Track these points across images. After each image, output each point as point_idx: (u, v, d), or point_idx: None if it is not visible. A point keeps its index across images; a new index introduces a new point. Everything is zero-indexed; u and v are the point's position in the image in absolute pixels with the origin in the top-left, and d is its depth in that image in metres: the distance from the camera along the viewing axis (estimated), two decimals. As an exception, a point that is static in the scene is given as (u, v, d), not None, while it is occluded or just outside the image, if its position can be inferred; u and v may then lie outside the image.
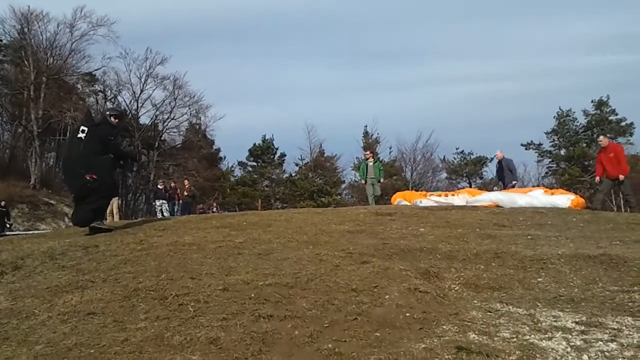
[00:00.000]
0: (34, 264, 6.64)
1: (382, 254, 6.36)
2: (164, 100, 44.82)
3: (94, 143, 8.65)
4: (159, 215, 21.82)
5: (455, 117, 74.67)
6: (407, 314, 4.50)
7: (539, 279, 5.55)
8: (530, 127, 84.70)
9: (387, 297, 4.86)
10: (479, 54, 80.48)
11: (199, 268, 5.71)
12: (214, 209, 30.11)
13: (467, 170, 48.39)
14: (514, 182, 15.60)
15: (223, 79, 73.72)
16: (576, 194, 12.58)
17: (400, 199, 14.73)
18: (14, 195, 26.02)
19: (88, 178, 8.44)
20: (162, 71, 44.37)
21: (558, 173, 45.87)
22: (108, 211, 20.37)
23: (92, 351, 3.79)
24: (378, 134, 48.91)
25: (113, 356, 3.71)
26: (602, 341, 4.05)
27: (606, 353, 3.87)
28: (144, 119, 45.58)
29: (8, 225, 24.30)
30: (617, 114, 45.59)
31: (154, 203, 25.82)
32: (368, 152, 20.14)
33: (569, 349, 3.94)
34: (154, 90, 44.48)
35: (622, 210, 12.15)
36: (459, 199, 13.47)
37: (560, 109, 47.91)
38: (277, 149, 51.19)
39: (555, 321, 4.46)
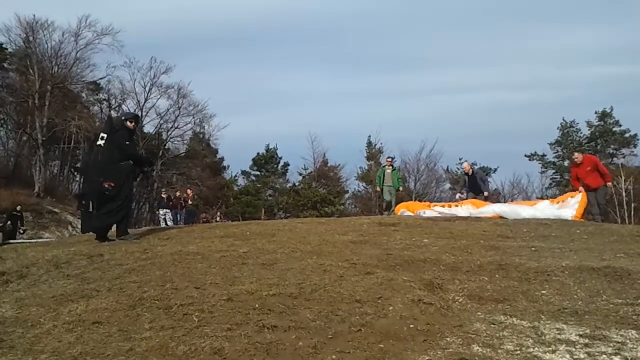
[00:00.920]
0: (39, 272, 6.66)
1: (385, 264, 6.37)
2: (168, 109, 45.03)
3: (112, 149, 8.69)
4: (163, 224, 21.86)
5: (459, 127, 74.80)
6: (411, 326, 4.50)
7: (543, 291, 5.54)
8: (534, 138, 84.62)
9: (391, 308, 4.86)
10: (483, 63, 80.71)
11: (203, 278, 5.73)
12: (218, 218, 30.16)
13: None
14: (485, 193, 15.41)
15: (227, 88, 74.12)
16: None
17: (403, 209, 14.72)
18: (18, 203, 26.07)
19: (106, 185, 8.47)
20: (166, 80, 44.57)
21: (562, 184, 45.78)
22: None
23: (97, 360, 3.81)
24: (382, 143, 48.96)
25: (118, 366, 3.73)
26: (605, 354, 4.05)
27: (610, 366, 3.87)
28: (148, 128, 45.75)
29: (22, 231, 24.19)
30: (620, 125, 45.59)
31: (157, 212, 25.88)
32: (388, 159, 19.76)
33: (573, 362, 3.94)
34: (158, 99, 44.72)
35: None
36: (462, 210, 13.44)
37: (564, 120, 48.00)
38: (280, 158, 51.32)
39: (559, 334, 4.46)
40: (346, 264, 6.29)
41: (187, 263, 6.44)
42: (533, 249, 7.32)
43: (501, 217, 11.53)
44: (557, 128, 47.93)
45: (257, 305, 4.79)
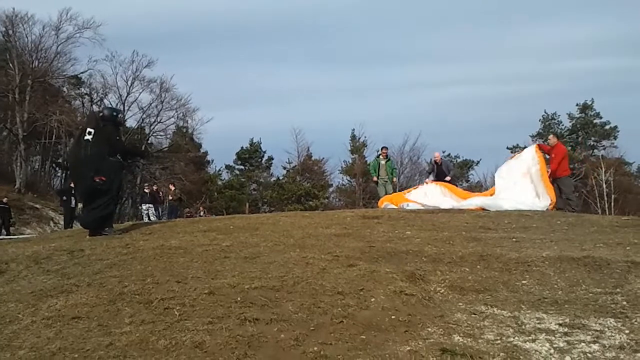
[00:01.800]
0: (18, 268, 6.59)
1: (368, 257, 6.38)
2: (150, 104, 44.56)
3: (101, 144, 8.63)
4: (146, 219, 21.71)
5: (442, 121, 75.04)
6: (393, 317, 4.52)
7: (524, 282, 5.59)
8: (516, 131, 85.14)
9: (373, 300, 4.87)
10: (466, 57, 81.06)
11: (185, 272, 5.70)
12: (201, 213, 30.02)
13: (454, 173, 48.65)
14: (447, 178, 15.74)
15: (210, 82, 73.63)
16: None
17: (387, 202, 14.76)
18: (3, 196, 25.72)
19: (97, 180, 8.43)
20: (148, 74, 43.99)
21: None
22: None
23: (76, 356, 3.78)
24: (365, 137, 48.94)
25: (97, 360, 3.69)
26: (584, 343, 4.10)
27: (589, 354, 3.92)
28: (131, 122, 45.19)
29: (12, 223, 23.53)
30: (601, 118, 46.02)
31: (140, 207, 25.70)
32: (384, 149, 18.42)
33: (552, 351, 3.98)
34: (140, 93, 44.18)
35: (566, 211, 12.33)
36: (444, 200, 13.52)
37: (545, 112, 48.31)
38: (264, 152, 51.14)
39: (539, 323, 4.50)
40: (329, 256, 6.30)
41: (168, 257, 6.40)
42: (514, 240, 7.37)
43: (483, 210, 11.59)
44: (539, 120, 48.29)
45: (239, 299, 4.78)
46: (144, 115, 45.14)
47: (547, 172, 12.89)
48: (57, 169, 43.66)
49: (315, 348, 3.89)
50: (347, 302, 4.77)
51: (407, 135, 48.04)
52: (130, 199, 44.10)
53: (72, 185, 21.98)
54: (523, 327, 4.43)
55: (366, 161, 46.16)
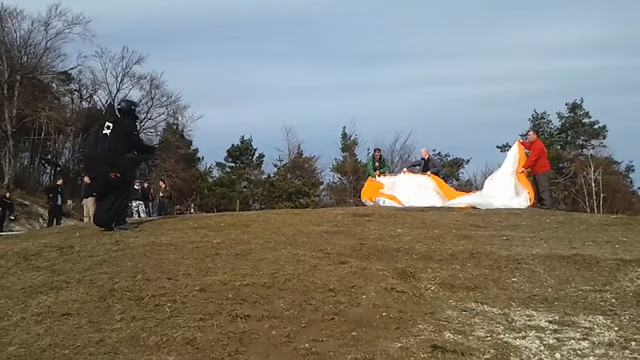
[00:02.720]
0: (7, 264, 6.53)
1: (359, 254, 6.39)
2: (140, 100, 44.06)
3: (120, 139, 8.53)
4: (136, 216, 21.61)
5: (432, 119, 75.16)
6: (384, 314, 4.54)
7: (514, 279, 5.63)
8: (506, 129, 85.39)
9: (364, 297, 4.89)
10: (456, 56, 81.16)
11: (176, 269, 5.68)
12: (192, 210, 29.92)
13: (444, 172, 48.74)
14: (428, 172, 15.86)
15: (201, 79, 73.10)
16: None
17: (366, 198, 14.90)
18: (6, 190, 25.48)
19: (112, 176, 8.37)
20: (138, 70, 43.60)
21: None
22: (84, 212, 20.21)
23: (66, 352, 3.76)
24: (356, 135, 48.92)
25: (88, 357, 3.68)
26: (574, 340, 4.13)
27: (578, 351, 3.95)
28: (120, 119, 45.00)
29: (12, 217, 23.01)
30: (590, 117, 46.18)
31: (130, 204, 25.57)
32: (377, 152, 17.81)
33: (542, 348, 4.01)
34: (130, 89, 43.74)
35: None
36: (425, 192, 13.72)
37: (535, 111, 48.41)
38: (255, 149, 50.97)
39: (529, 320, 4.54)
40: (320, 254, 6.30)
41: (159, 254, 6.38)
42: (504, 237, 7.42)
43: (473, 208, 11.65)
44: (529, 119, 48.44)
45: (230, 296, 4.78)
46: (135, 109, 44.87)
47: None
48: (47, 165, 43.33)
49: (307, 345, 3.90)
50: (339, 299, 4.78)
51: (398, 134, 48.01)
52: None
53: (58, 183, 21.92)
54: (513, 324, 4.46)
55: (357, 159, 46.22)
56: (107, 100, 42.49)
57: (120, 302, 4.71)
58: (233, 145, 50.68)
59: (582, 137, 46.37)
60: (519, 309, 4.82)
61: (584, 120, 46.27)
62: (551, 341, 4.11)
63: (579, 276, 5.63)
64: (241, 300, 4.68)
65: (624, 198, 39.83)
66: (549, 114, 47.95)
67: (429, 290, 5.31)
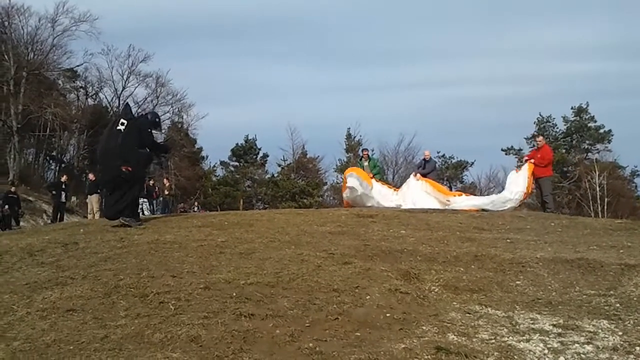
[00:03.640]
0: (12, 260, 6.55)
1: (363, 255, 6.40)
2: (146, 98, 44.31)
3: (133, 135, 8.76)
4: (140, 214, 21.62)
5: (437, 121, 75.01)
6: (388, 315, 4.54)
7: (518, 282, 5.62)
8: (511, 133, 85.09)
9: (368, 297, 4.89)
10: (461, 58, 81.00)
11: (180, 266, 5.69)
12: (196, 209, 29.96)
13: (448, 174, 48.68)
14: (413, 173, 15.98)
15: (206, 78, 73.21)
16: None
17: (352, 171, 14.97)
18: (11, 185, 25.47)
19: (123, 170, 8.55)
20: (144, 68, 43.74)
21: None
22: (89, 209, 20.25)
23: (71, 347, 3.77)
24: (361, 136, 48.87)
25: (92, 353, 3.69)
26: (578, 343, 4.12)
27: (582, 355, 3.94)
28: (126, 117, 45.09)
29: (21, 214, 22.84)
30: (595, 121, 46.07)
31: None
32: (364, 151, 19.14)
33: (546, 351, 4.01)
34: (136, 87, 43.91)
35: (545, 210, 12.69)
36: (427, 197, 13.83)
37: (540, 115, 48.31)
38: (259, 149, 50.98)
39: (533, 323, 4.53)
40: (324, 254, 6.31)
41: (164, 252, 6.39)
42: (508, 240, 7.41)
43: (478, 211, 11.64)
44: (534, 123, 48.27)
45: (234, 294, 4.79)
46: (139, 110, 44.89)
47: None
48: (51, 161, 43.43)
49: (311, 344, 3.90)
50: (343, 300, 4.78)
51: (402, 135, 48.02)
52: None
53: (62, 180, 21.94)
54: (517, 327, 4.46)
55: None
56: (111, 98, 42.73)
57: (125, 298, 4.72)
58: (237, 144, 50.72)
59: (587, 141, 46.24)
60: (523, 312, 4.82)
61: (589, 124, 46.16)
62: (555, 345, 4.11)
63: (583, 280, 5.63)
64: (245, 298, 4.69)
65: (629, 203, 39.69)
66: (554, 118, 47.87)
67: (433, 292, 5.31)
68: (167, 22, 73.80)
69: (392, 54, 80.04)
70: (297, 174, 48.01)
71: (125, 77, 43.34)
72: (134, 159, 8.71)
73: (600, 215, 31.57)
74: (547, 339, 4.21)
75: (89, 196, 20.45)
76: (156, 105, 44.50)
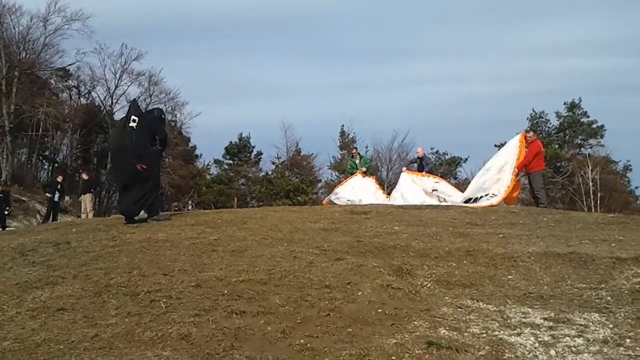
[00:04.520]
0: (3, 260, 6.54)
1: (356, 251, 6.39)
2: (139, 97, 44.06)
3: (145, 132, 8.85)
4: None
5: (430, 118, 75.09)
6: (379, 310, 4.54)
7: (509, 277, 5.63)
8: (504, 128, 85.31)
9: (359, 293, 4.89)
10: (454, 55, 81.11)
11: (172, 264, 5.68)
12: (189, 207, 29.91)
13: (442, 170, 48.77)
14: (403, 168, 16.41)
15: (200, 76, 72.93)
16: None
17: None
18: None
19: (139, 167, 8.63)
20: (137, 67, 43.46)
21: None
22: (82, 209, 20.18)
23: (61, 347, 3.75)
24: (354, 133, 48.92)
25: (83, 352, 3.67)
26: (569, 337, 4.14)
27: (573, 348, 3.96)
28: (119, 116, 44.42)
29: (7, 212, 22.50)
30: (588, 116, 46.21)
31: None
32: (353, 149, 19.83)
33: (537, 345, 4.02)
34: (129, 86, 43.69)
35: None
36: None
37: (533, 110, 48.41)
38: (253, 147, 50.90)
39: (524, 317, 4.55)
40: (316, 250, 6.30)
41: (155, 250, 6.37)
42: (501, 235, 7.42)
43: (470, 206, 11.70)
44: (527, 118, 48.41)
45: (226, 291, 4.78)
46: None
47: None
48: (44, 161, 43.26)
49: (302, 341, 3.90)
50: (334, 296, 4.78)
51: (396, 132, 48.01)
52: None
53: (57, 179, 21.84)
54: (508, 321, 4.47)
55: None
56: (104, 97, 42.56)
57: (116, 297, 4.71)
58: (231, 142, 50.64)
59: (580, 137, 46.38)
60: (514, 306, 4.83)
61: (582, 120, 46.31)
62: (546, 338, 4.12)
63: (574, 274, 5.64)
64: (237, 296, 4.68)
65: (621, 197, 39.83)
66: (547, 113, 48.01)
67: (425, 287, 5.32)
68: (160, 20, 73.54)
69: (386, 51, 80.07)
70: (291, 172, 47.98)
71: (118, 75, 43.14)
72: (148, 155, 8.82)
73: (593, 210, 31.68)
74: (538, 332, 4.23)
75: (82, 195, 20.39)
76: (149, 103, 44.28)
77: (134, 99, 9.34)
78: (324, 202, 15.57)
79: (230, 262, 5.76)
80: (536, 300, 4.98)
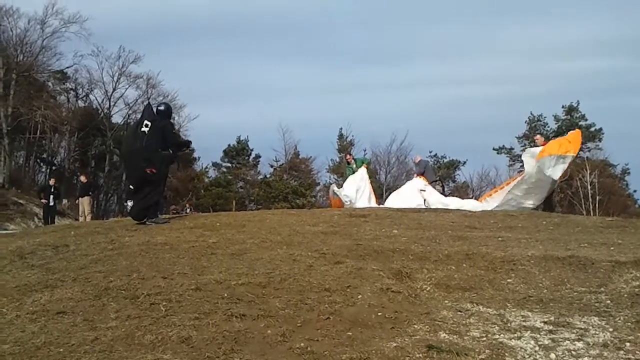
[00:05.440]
0: (2, 263, 6.51)
1: (355, 254, 6.39)
2: (137, 99, 44.09)
3: (156, 137, 8.93)
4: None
5: (429, 121, 75.14)
6: (379, 314, 4.54)
7: (509, 280, 5.63)
8: (502, 132, 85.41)
9: (359, 296, 4.89)
10: (452, 58, 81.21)
11: (171, 268, 5.67)
12: (187, 210, 29.90)
13: (441, 173, 48.79)
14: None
15: (197, 78, 72.96)
16: None
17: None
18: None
19: (148, 172, 8.76)
20: (135, 70, 43.56)
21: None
22: (80, 211, 20.16)
23: (61, 350, 3.75)
24: (353, 136, 48.97)
25: (83, 355, 3.67)
26: (569, 340, 4.14)
27: (573, 352, 3.96)
28: (117, 118, 44.76)
29: None
30: (586, 120, 46.35)
31: (125, 203, 25.55)
32: (348, 156, 19.96)
33: (537, 348, 4.02)
34: (126, 89, 43.76)
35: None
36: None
37: (531, 114, 48.53)
38: (251, 150, 50.91)
39: (524, 321, 4.55)
40: (316, 253, 6.30)
41: (154, 253, 6.37)
42: (500, 239, 7.43)
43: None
44: (525, 122, 48.51)
45: (225, 295, 4.77)
46: (130, 111, 44.65)
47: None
48: (42, 164, 43.23)
49: (302, 344, 3.90)
50: (334, 299, 4.78)
51: (394, 135, 48.09)
52: (115, 195, 43.81)
53: (51, 183, 21.84)
54: (508, 324, 4.47)
55: (358, 158, 46.22)
56: (102, 100, 42.47)
57: (116, 300, 4.70)
58: (229, 145, 50.63)
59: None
60: (514, 309, 4.83)
61: (580, 123, 46.34)
62: (546, 342, 4.12)
63: (574, 277, 5.65)
64: (237, 299, 4.68)
65: (620, 201, 39.95)
66: (545, 116, 48.14)
67: (425, 291, 5.32)
68: (158, 23, 73.60)
69: (384, 54, 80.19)
70: (290, 175, 48.00)
71: (115, 78, 43.22)
72: (157, 160, 8.91)
73: (591, 213, 31.74)
74: (538, 336, 4.23)
75: (80, 198, 20.37)
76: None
77: (149, 102, 9.43)
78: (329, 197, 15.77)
79: (230, 265, 5.75)
80: (536, 303, 4.98)
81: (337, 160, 48.27)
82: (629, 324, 4.45)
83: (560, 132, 46.36)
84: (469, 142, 70.48)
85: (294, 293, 4.89)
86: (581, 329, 4.36)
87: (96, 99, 44.57)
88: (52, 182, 21.97)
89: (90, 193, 21.13)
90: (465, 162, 49.75)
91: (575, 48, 77.44)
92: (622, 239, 7.42)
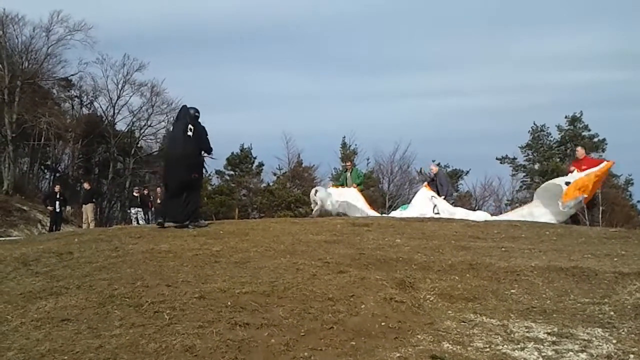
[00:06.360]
0: (6, 269, 6.53)
1: (358, 263, 6.40)
2: (141, 107, 44.22)
3: (198, 142, 9.15)
4: (134, 223, 21.60)
5: (432, 130, 75.11)
6: (383, 324, 4.54)
7: (512, 291, 5.63)
8: (505, 142, 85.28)
9: (363, 306, 4.89)
10: (455, 67, 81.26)
11: (175, 276, 5.69)
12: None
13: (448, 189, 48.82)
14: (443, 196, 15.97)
15: (201, 86, 73.05)
16: None
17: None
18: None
19: (193, 176, 9.03)
20: (139, 77, 43.58)
21: (532, 187, 46.36)
22: (84, 218, 20.21)
23: (65, 357, 3.77)
24: (356, 145, 48.90)
25: (87, 363, 3.68)
26: (572, 352, 4.14)
27: (576, 363, 3.96)
28: (121, 126, 44.89)
29: None
30: (590, 130, 46.28)
31: (129, 211, 25.59)
32: (348, 163, 19.96)
33: (540, 359, 4.02)
34: (131, 96, 43.83)
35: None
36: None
37: (534, 124, 48.48)
38: (255, 158, 50.88)
39: (527, 332, 4.55)
40: (319, 262, 6.30)
41: (158, 261, 6.38)
42: (503, 249, 7.43)
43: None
44: (528, 132, 48.46)
45: (229, 303, 4.78)
46: (134, 119, 44.89)
47: None
48: (46, 171, 43.30)
49: (306, 353, 3.90)
50: (338, 308, 4.79)
51: (397, 144, 48.01)
52: (119, 202, 43.84)
53: (56, 190, 21.90)
54: (512, 335, 4.47)
55: (357, 169, 46.25)
56: (106, 107, 42.61)
57: (120, 308, 4.72)
58: (233, 153, 50.58)
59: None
60: (517, 320, 4.83)
61: (583, 133, 46.38)
62: (550, 353, 4.12)
63: (577, 288, 5.64)
64: (240, 308, 4.69)
65: (623, 211, 39.70)
66: (548, 127, 48.08)
67: (428, 301, 5.32)
68: (162, 31, 73.86)
69: (388, 63, 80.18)
70: (293, 183, 47.96)
71: (120, 86, 43.32)
72: (200, 164, 9.23)
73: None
74: (542, 347, 4.23)
75: (83, 205, 20.42)
76: (151, 114, 44.50)
77: (185, 106, 9.22)
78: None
79: (233, 274, 5.76)
80: (539, 314, 4.98)
81: (340, 168, 48.29)
82: (633, 335, 4.45)
83: (563, 142, 46.48)
84: (472, 152, 70.28)
85: (298, 302, 4.90)
86: (585, 340, 4.36)
87: (100, 107, 44.68)
88: (57, 188, 22.03)
89: (93, 200, 21.20)
90: (468, 172, 49.60)
91: (579, 59, 77.46)
92: (626, 250, 7.41)
